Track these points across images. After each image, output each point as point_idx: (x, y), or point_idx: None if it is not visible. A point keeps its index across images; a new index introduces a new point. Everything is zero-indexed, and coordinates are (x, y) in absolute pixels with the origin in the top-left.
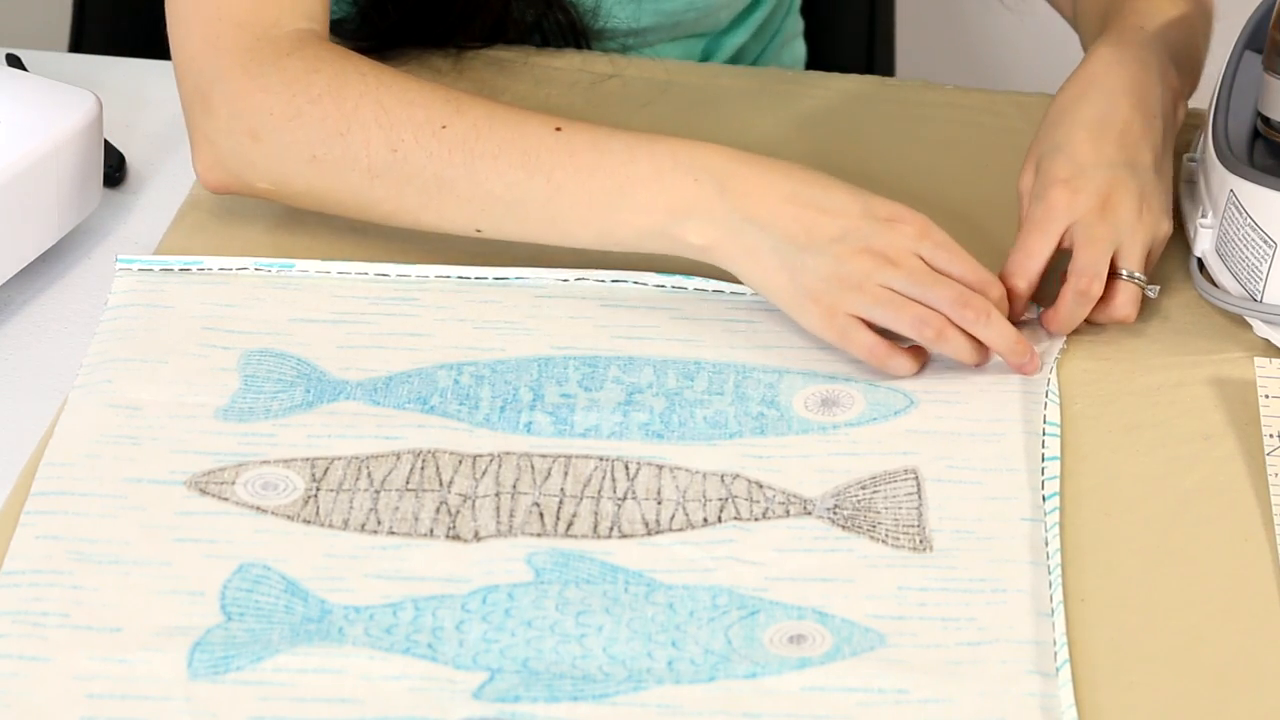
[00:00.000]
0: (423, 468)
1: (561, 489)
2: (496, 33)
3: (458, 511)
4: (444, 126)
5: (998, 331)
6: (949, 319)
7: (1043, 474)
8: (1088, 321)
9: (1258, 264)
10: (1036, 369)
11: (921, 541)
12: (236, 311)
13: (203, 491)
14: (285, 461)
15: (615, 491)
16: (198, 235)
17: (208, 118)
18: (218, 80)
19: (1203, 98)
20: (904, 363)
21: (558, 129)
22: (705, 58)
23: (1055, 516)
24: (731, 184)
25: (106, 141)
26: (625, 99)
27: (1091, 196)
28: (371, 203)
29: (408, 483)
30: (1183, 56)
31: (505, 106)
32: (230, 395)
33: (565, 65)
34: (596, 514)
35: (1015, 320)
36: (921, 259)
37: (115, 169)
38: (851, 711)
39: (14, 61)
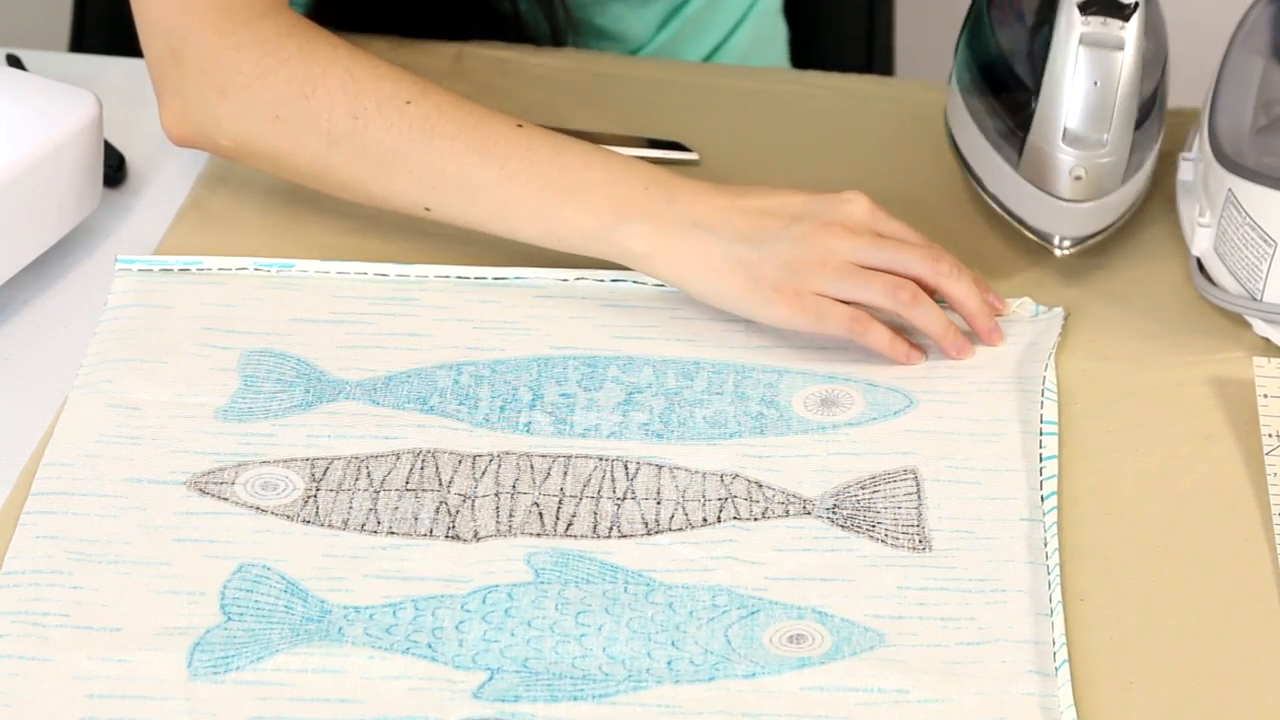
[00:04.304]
0: (422, 468)
1: (561, 489)
2: None
3: (457, 511)
4: (408, 102)
5: (969, 288)
6: (922, 280)
7: (1041, 474)
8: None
9: (1257, 263)
10: (1001, 339)
11: (921, 541)
12: (236, 311)
13: (202, 491)
14: (285, 461)
15: (615, 491)
16: (198, 235)
17: (179, 72)
18: (189, 36)
19: (1197, 96)
20: (883, 333)
21: (519, 125)
22: (664, 23)
23: (1054, 516)
24: (680, 194)
25: (106, 141)
26: (625, 99)
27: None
28: (327, 169)
29: (407, 483)
30: None
31: (469, 99)
32: (230, 395)
33: (565, 65)
34: (596, 514)
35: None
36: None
37: (115, 169)
38: (851, 711)
39: (14, 61)
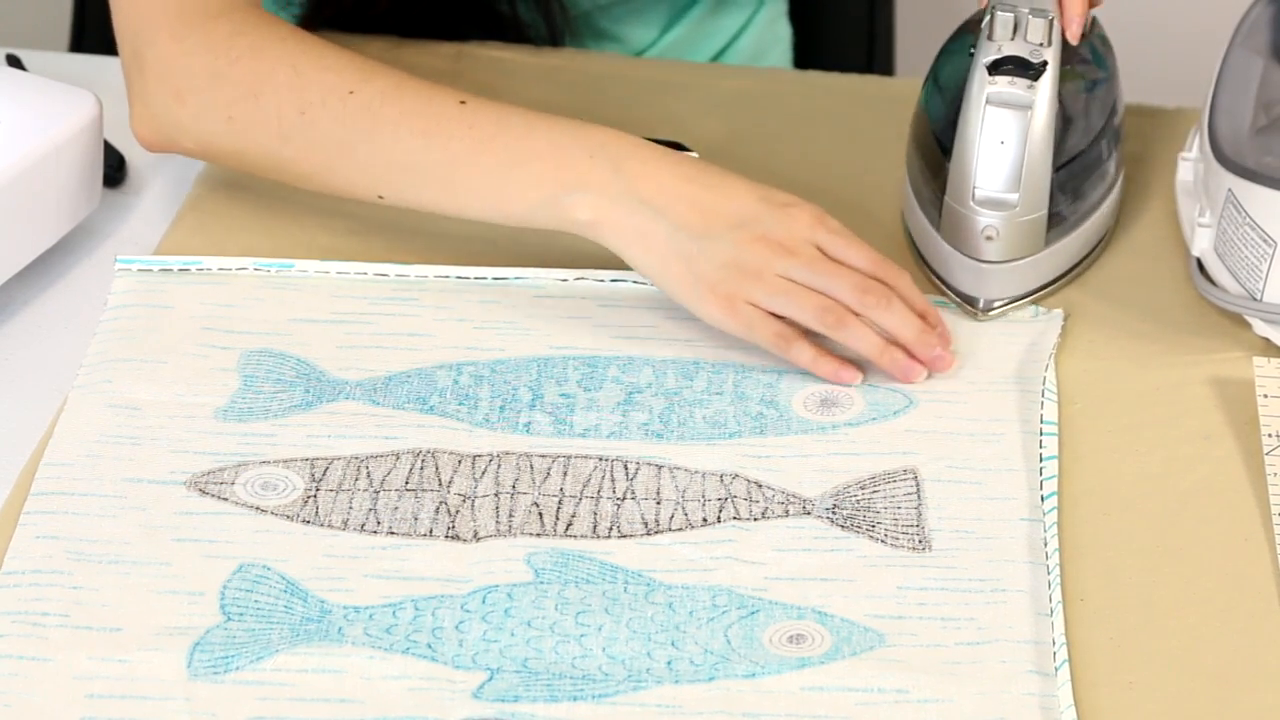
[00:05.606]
0: (422, 468)
1: (561, 489)
2: None
3: (457, 511)
4: (352, 92)
5: (900, 319)
6: (850, 308)
7: (1041, 474)
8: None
9: (1257, 263)
10: (949, 365)
11: (921, 541)
12: (236, 311)
13: (202, 492)
14: (285, 461)
15: (615, 491)
16: (198, 235)
17: (141, 78)
18: (148, 42)
19: (1196, 96)
20: (806, 350)
21: (462, 102)
22: (669, 26)
23: (1054, 516)
24: (627, 164)
25: (106, 141)
26: (625, 99)
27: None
28: (283, 164)
29: (407, 483)
30: None
31: (415, 79)
32: (230, 395)
33: (565, 65)
34: (596, 514)
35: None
36: (818, 248)
37: (115, 169)
38: (851, 711)
39: (14, 61)
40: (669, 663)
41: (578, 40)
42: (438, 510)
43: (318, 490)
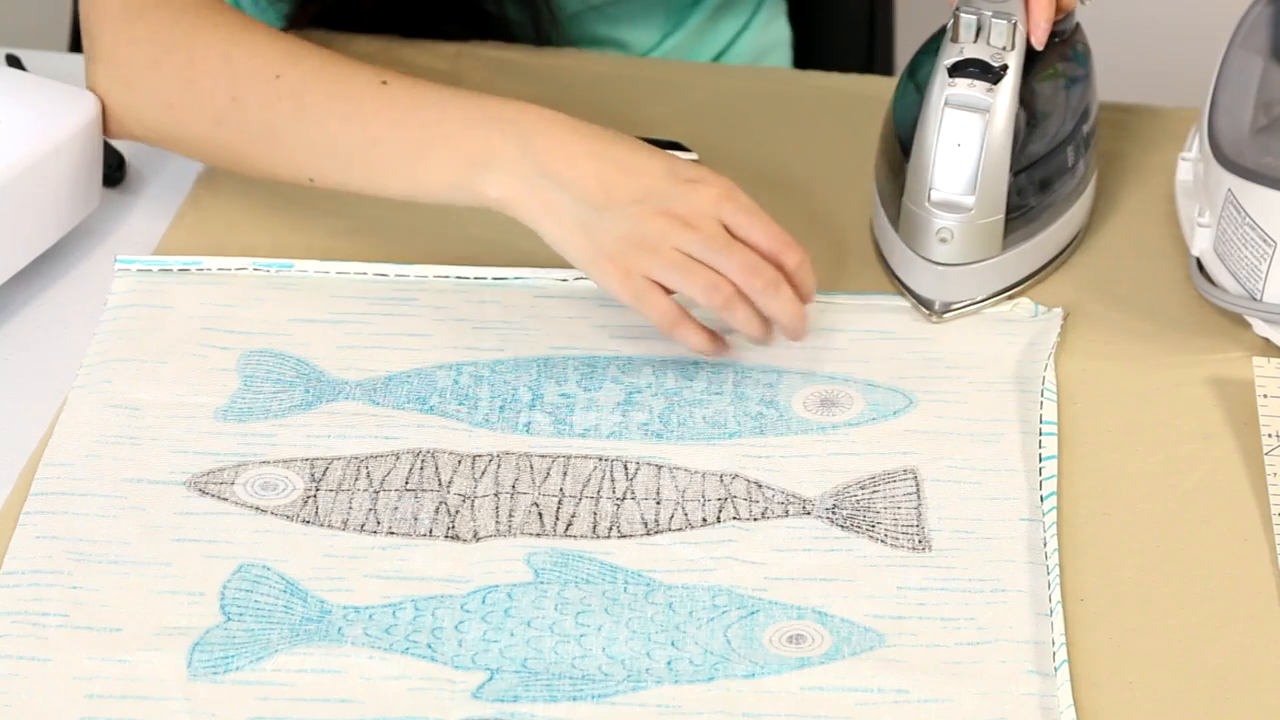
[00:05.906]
0: (422, 468)
1: (561, 489)
2: None
3: (457, 511)
4: (278, 76)
5: (782, 307)
6: (740, 289)
7: (1041, 474)
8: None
9: (1257, 263)
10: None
11: (920, 541)
12: (236, 311)
13: (202, 492)
14: (285, 461)
15: (614, 491)
16: (197, 235)
17: (94, 68)
18: (99, 32)
19: (1196, 96)
20: (694, 333)
21: (384, 82)
22: (669, 31)
23: (1054, 516)
24: (535, 140)
25: (106, 141)
26: (625, 99)
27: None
28: (220, 150)
29: (407, 483)
30: None
31: (341, 59)
32: (229, 395)
33: (564, 65)
34: (596, 514)
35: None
36: (723, 224)
37: (115, 169)
38: (851, 711)
39: (14, 61)
40: (669, 663)
41: (576, 46)
42: (438, 510)
43: (317, 490)
